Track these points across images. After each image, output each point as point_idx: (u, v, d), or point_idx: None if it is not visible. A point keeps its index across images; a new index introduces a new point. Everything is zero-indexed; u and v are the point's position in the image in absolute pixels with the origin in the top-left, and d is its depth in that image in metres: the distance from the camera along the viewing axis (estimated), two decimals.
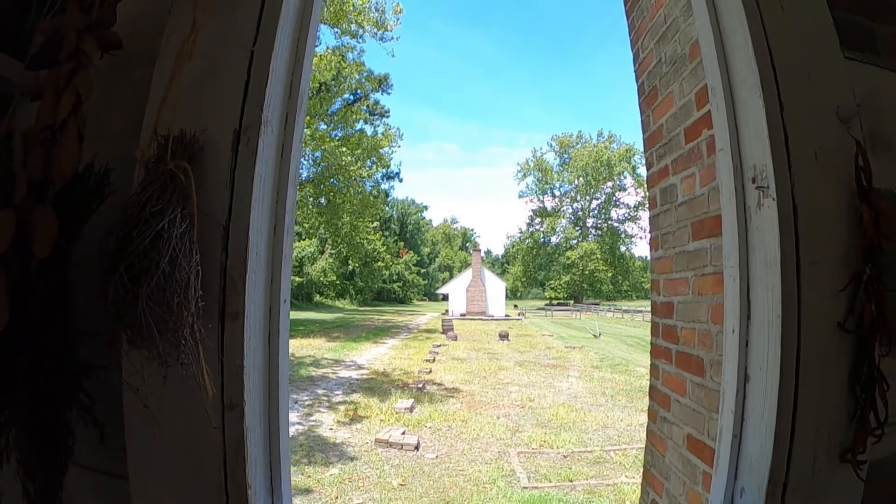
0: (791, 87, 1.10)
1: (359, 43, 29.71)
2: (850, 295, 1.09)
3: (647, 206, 2.48)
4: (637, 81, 2.75)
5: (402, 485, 6.02)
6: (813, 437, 1.04)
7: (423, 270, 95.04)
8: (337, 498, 5.60)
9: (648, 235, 2.44)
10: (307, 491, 5.75)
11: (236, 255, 0.97)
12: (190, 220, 0.89)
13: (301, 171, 28.41)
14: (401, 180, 61.85)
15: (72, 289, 0.97)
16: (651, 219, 2.43)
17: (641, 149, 2.64)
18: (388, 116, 41.19)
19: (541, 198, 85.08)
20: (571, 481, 6.16)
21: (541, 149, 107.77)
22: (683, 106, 2.14)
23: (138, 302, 0.80)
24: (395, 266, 74.20)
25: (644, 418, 8.74)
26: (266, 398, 1.04)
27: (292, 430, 7.72)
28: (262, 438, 1.02)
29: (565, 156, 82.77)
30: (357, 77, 32.19)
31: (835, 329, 1.05)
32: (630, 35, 2.85)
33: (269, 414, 1.05)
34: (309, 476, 6.16)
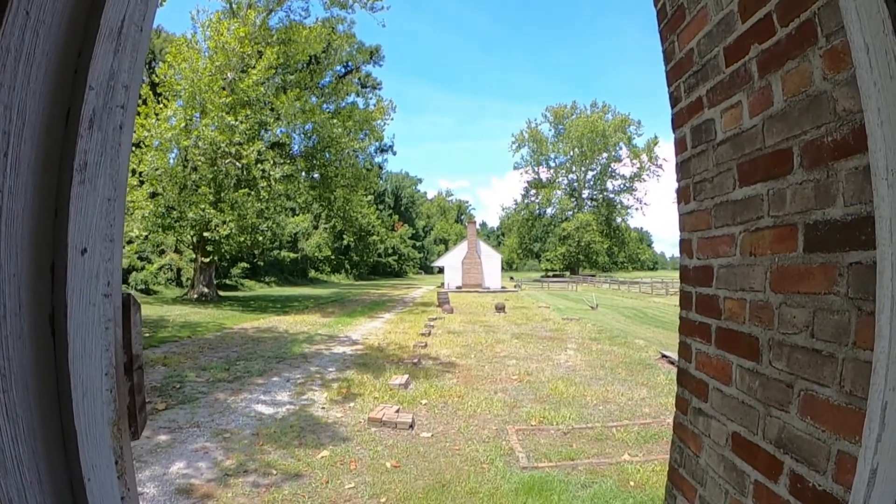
0: None
1: (349, 14, 28.94)
2: None
3: (675, 150, 2.04)
4: (656, 6, 2.32)
5: (395, 466, 5.72)
6: None
7: (418, 244, 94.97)
8: (327, 483, 5.29)
9: (676, 185, 2.01)
10: (297, 476, 5.45)
11: None
12: None
13: (292, 145, 27.81)
14: (395, 153, 61.21)
15: None
16: (679, 165, 2.00)
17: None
18: (380, 89, 40.42)
19: (536, 169, 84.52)
20: (573, 460, 5.86)
21: (535, 120, 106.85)
22: (722, 21, 1.71)
23: None
24: (391, 240, 73.90)
25: (646, 393, 8.51)
26: (43, 416, 0.58)
27: (283, 411, 7.40)
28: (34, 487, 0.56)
29: (560, 126, 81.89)
30: (348, 49, 31.40)
31: None
32: None
33: (65, 446, 0.60)
34: (299, 459, 5.86)
